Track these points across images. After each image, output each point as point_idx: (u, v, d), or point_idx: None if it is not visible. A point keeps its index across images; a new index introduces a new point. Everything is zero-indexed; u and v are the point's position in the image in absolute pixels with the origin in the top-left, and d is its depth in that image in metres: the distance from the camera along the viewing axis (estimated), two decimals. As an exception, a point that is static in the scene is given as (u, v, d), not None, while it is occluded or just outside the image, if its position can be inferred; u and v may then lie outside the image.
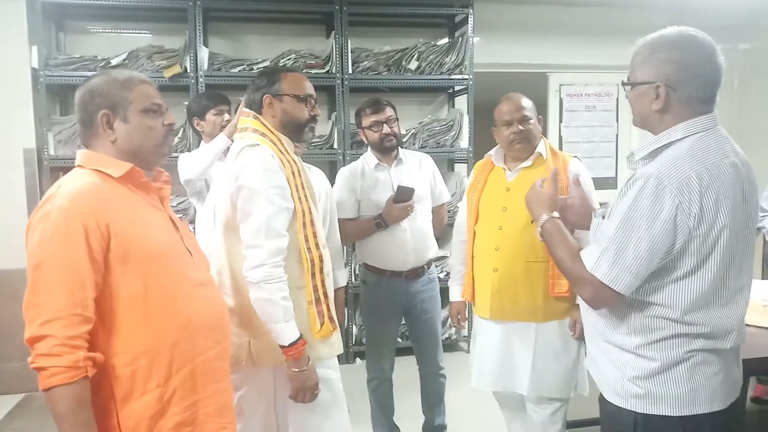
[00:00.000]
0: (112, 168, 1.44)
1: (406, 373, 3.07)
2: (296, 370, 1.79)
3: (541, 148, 2.38)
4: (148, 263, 1.40)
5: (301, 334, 1.79)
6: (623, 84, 1.53)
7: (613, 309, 1.49)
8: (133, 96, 1.48)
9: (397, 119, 2.82)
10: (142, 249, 1.40)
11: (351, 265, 4.17)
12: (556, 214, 1.65)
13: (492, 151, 2.50)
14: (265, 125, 1.91)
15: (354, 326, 4.29)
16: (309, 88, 1.98)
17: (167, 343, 1.41)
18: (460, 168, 4.62)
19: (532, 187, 1.77)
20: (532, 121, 2.35)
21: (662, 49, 1.44)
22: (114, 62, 3.83)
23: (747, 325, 1.57)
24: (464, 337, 4.44)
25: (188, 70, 3.90)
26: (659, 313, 1.43)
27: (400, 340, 3.80)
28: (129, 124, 1.47)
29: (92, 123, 1.47)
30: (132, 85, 1.49)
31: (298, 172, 1.90)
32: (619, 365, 1.50)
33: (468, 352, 3.71)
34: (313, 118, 1.99)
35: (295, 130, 1.96)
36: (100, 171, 1.44)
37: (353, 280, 4.16)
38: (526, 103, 2.37)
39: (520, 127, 2.33)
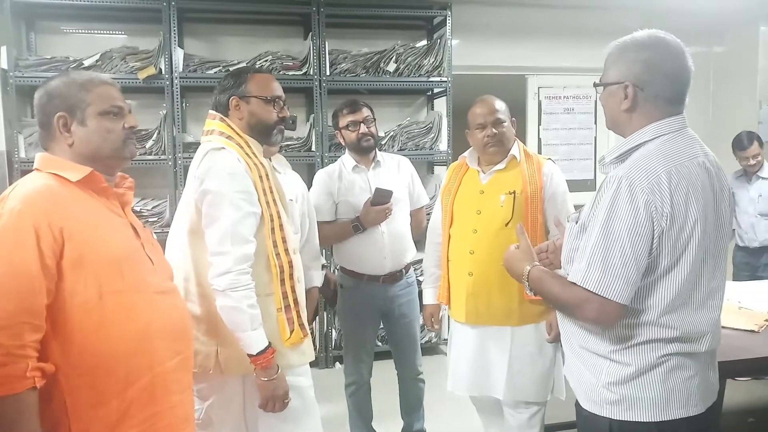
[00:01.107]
0: (70, 172, 1.40)
1: (384, 377, 3.05)
2: (265, 379, 1.75)
3: (515, 150, 2.36)
4: (103, 269, 1.35)
5: (269, 343, 1.76)
6: (595, 85, 1.54)
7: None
8: (91, 98, 1.44)
9: (375, 120, 2.80)
10: (98, 254, 1.35)
11: (330, 269, 4.13)
12: (535, 262, 1.62)
13: (466, 153, 2.48)
14: (231, 128, 1.87)
15: (333, 330, 4.25)
16: (277, 89, 1.94)
17: (123, 353, 1.36)
18: (440, 170, 4.61)
19: (507, 252, 1.72)
20: (505, 124, 2.34)
21: (632, 50, 1.45)
22: (87, 63, 3.76)
23: (723, 327, 1.56)
24: (444, 340, 4.41)
25: (163, 72, 3.84)
26: (634, 317, 1.41)
27: (379, 343, 3.78)
28: (86, 127, 1.43)
29: (50, 125, 1.43)
30: (91, 87, 1.45)
31: (266, 175, 1.86)
32: (594, 371, 1.49)
33: (447, 355, 3.69)
34: (282, 120, 1.95)
35: (262, 132, 1.92)
36: (57, 175, 1.39)
37: (332, 283, 4.13)
38: (500, 105, 2.36)
39: (494, 130, 2.31)
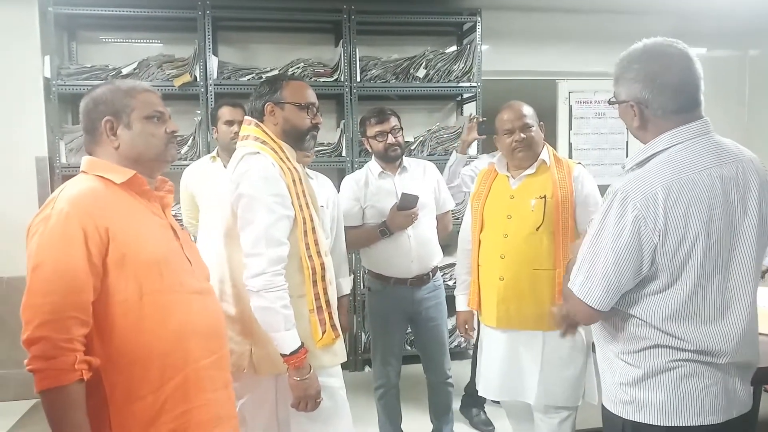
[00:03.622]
0: (115, 174, 1.46)
1: (414, 380, 3.06)
2: (298, 378, 1.79)
3: (545, 155, 2.37)
4: (144, 269, 1.40)
5: (302, 343, 1.79)
6: (610, 103, 1.54)
7: (606, 317, 1.50)
8: (135, 103, 1.50)
9: (402, 128, 2.83)
10: (139, 254, 1.40)
11: (360, 273, 4.17)
12: None
13: (495, 159, 2.49)
14: (266, 133, 1.92)
15: (363, 334, 4.28)
16: (311, 96, 1.98)
17: (160, 351, 1.41)
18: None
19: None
20: (533, 129, 2.34)
21: (629, 68, 1.45)
22: (125, 71, 3.87)
23: (760, 334, 1.53)
24: (474, 344, 4.40)
25: (198, 79, 3.93)
26: (641, 322, 1.44)
27: (409, 347, 3.79)
28: (132, 130, 1.49)
29: (96, 130, 1.50)
30: (135, 93, 1.52)
31: (299, 179, 1.90)
32: (611, 370, 1.53)
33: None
34: (315, 127, 1.98)
35: (296, 138, 1.96)
36: (102, 177, 1.45)
37: (362, 286, 4.16)
38: (527, 110, 2.36)
39: (522, 135, 2.31)
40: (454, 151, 3.27)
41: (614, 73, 1.50)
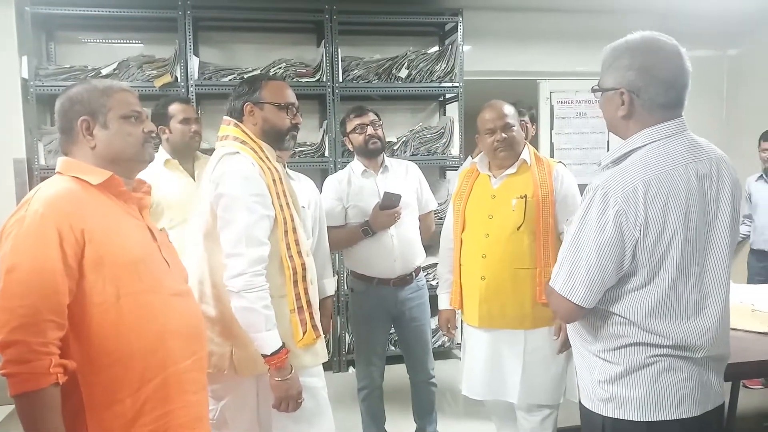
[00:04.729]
0: (91, 175, 1.44)
1: (397, 381, 3.06)
2: (279, 379, 1.78)
3: (526, 154, 2.38)
4: (122, 271, 1.39)
5: (283, 343, 1.78)
6: (593, 90, 1.54)
7: (584, 315, 1.50)
8: (112, 103, 1.49)
9: (381, 124, 2.83)
10: (117, 256, 1.39)
11: (343, 274, 4.16)
12: None
13: (476, 158, 2.50)
14: (245, 133, 1.91)
15: (347, 334, 4.28)
16: (290, 96, 1.98)
17: (139, 352, 1.39)
18: (452, 175, 4.61)
19: None
20: (515, 128, 2.35)
21: (625, 55, 1.44)
22: (104, 72, 3.83)
23: (734, 329, 1.55)
24: (458, 344, 4.41)
25: (179, 80, 3.90)
26: (620, 320, 1.44)
27: (393, 347, 3.79)
28: (109, 130, 1.48)
29: (72, 130, 1.48)
30: (111, 93, 1.50)
31: (280, 179, 1.89)
32: (589, 368, 1.53)
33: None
34: (294, 126, 1.98)
35: (276, 137, 1.96)
36: (78, 178, 1.43)
37: (345, 287, 4.15)
38: (509, 110, 2.37)
39: (504, 134, 2.32)
40: (470, 157, 3.27)
41: (605, 60, 1.49)
